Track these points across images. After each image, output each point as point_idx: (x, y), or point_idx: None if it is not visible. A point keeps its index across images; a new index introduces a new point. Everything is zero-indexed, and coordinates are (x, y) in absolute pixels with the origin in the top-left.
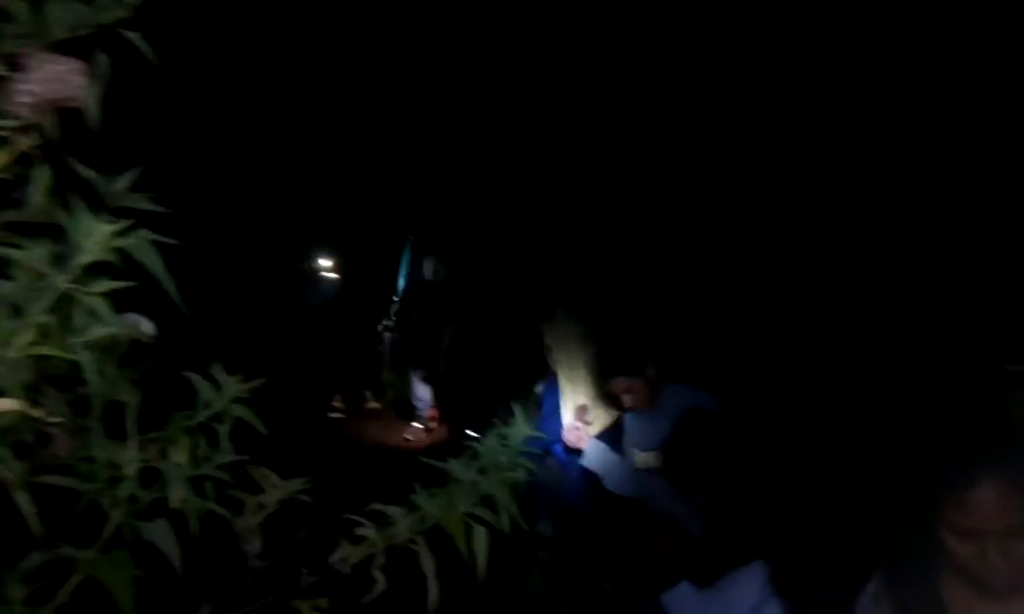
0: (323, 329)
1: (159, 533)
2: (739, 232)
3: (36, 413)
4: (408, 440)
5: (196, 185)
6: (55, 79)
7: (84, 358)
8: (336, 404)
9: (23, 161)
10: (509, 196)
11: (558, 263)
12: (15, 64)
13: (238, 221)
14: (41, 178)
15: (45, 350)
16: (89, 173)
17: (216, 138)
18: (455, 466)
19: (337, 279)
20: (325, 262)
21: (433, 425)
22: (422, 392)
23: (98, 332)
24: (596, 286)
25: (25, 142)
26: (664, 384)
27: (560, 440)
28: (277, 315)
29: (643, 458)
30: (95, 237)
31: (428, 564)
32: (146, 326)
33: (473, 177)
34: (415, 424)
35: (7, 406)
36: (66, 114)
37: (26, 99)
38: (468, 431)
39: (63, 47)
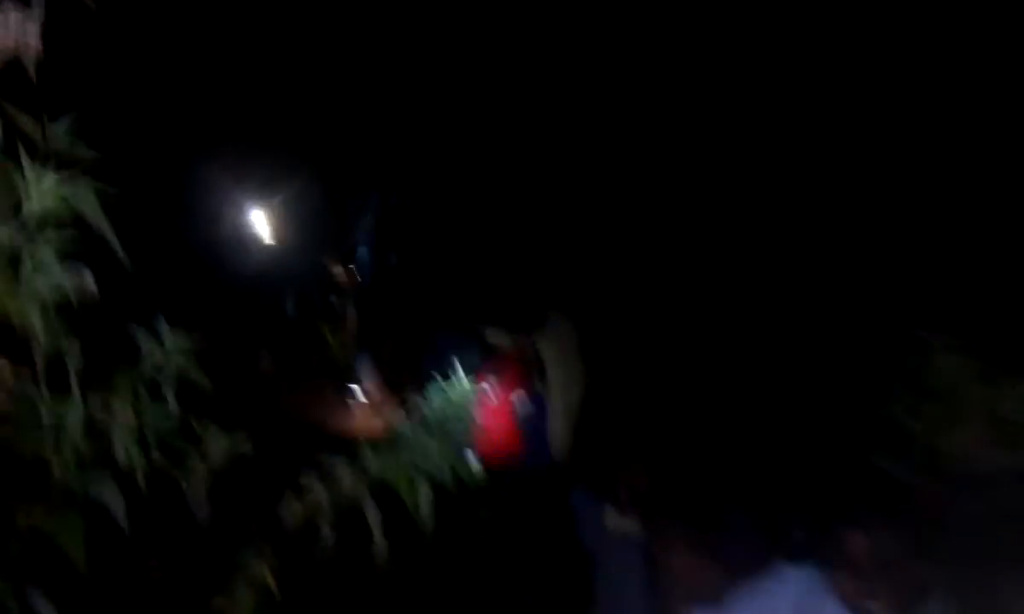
0: (252, 288)
1: (105, 489)
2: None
3: None
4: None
5: (132, 132)
6: (8, 29)
7: (33, 312)
8: (265, 363)
9: None
10: (493, 190)
11: (547, 265)
12: None
13: (174, 170)
14: None
15: None
16: (28, 121)
17: (155, 82)
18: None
19: (267, 240)
20: (258, 220)
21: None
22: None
23: (46, 286)
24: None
25: None
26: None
27: (547, 459)
28: (206, 271)
29: None
30: (43, 187)
31: (373, 517)
32: (88, 279)
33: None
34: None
35: None
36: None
37: None
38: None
39: None
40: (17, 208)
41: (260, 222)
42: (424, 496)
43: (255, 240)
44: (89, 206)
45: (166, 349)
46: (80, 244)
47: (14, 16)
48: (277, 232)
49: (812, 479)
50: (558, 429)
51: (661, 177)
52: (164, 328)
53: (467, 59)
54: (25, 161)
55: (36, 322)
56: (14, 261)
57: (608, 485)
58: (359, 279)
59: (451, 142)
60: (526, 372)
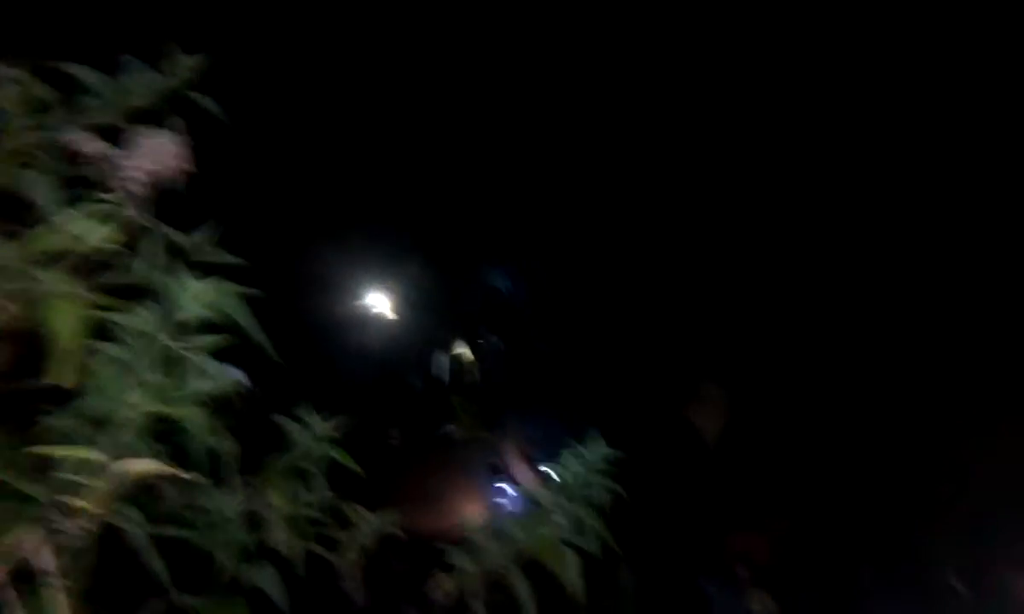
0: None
1: (265, 577)
2: None
3: (179, 472)
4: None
5: (259, 231)
6: (158, 153)
7: (193, 414)
8: (395, 440)
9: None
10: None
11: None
12: (118, 140)
13: (299, 258)
14: (148, 247)
15: (157, 409)
16: (173, 232)
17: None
18: (540, 492)
19: (388, 315)
20: (376, 299)
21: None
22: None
23: (205, 387)
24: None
25: (131, 214)
26: None
27: None
28: (333, 354)
29: None
30: (195, 295)
31: (523, 590)
32: (239, 376)
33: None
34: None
35: (148, 468)
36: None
37: (132, 174)
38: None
39: (140, 114)
40: (172, 315)
41: (383, 302)
42: (571, 564)
43: (380, 320)
44: (236, 308)
45: (313, 436)
46: (230, 344)
47: (169, 140)
48: (400, 310)
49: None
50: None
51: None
52: (310, 415)
53: (600, 124)
54: (179, 271)
55: (197, 421)
56: (173, 365)
57: (719, 562)
58: (486, 352)
59: (581, 212)
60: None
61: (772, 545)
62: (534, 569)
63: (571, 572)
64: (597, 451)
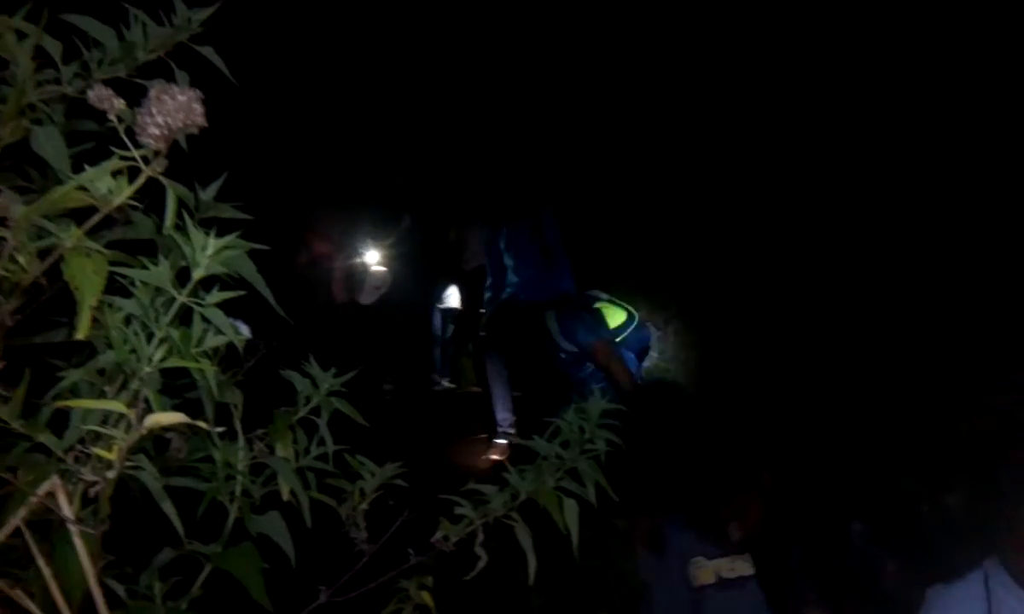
0: (376, 320)
1: (273, 526)
2: None
3: (201, 424)
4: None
5: (263, 190)
6: (180, 110)
7: (207, 368)
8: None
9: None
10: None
11: None
12: (127, 94)
13: (290, 222)
14: (169, 202)
15: (174, 363)
16: (181, 188)
17: (270, 142)
18: (539, 443)
19: (386, 272)
20: (375, 255)
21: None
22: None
23: (216, 341)
24: None
25: (152, 170)
26: None
27: None
28: (332, 312)
29: None
30: (207, 251)
31: (525, 537)
32: (244, 329)
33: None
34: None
35: (174, 420)
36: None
37: (155, 131)
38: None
39: (145, 67)
40: (185, 272)
41: (376, 259)
42: (571, 514)
43: (374, 277)
44: (245, 265)
45: (319, 389)
46: (239, 300)
47: (181, 96)
48: (393, 267)
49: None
50: None
51: None
52: (315, 369)
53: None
54: (190, 228)
55: (208, 375)
56: (185, 320)
57: (709, 520)
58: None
59: None
60: None
61: (764, 504)
62: (535, 516)
63: (571, 520)
64: (597, 405)
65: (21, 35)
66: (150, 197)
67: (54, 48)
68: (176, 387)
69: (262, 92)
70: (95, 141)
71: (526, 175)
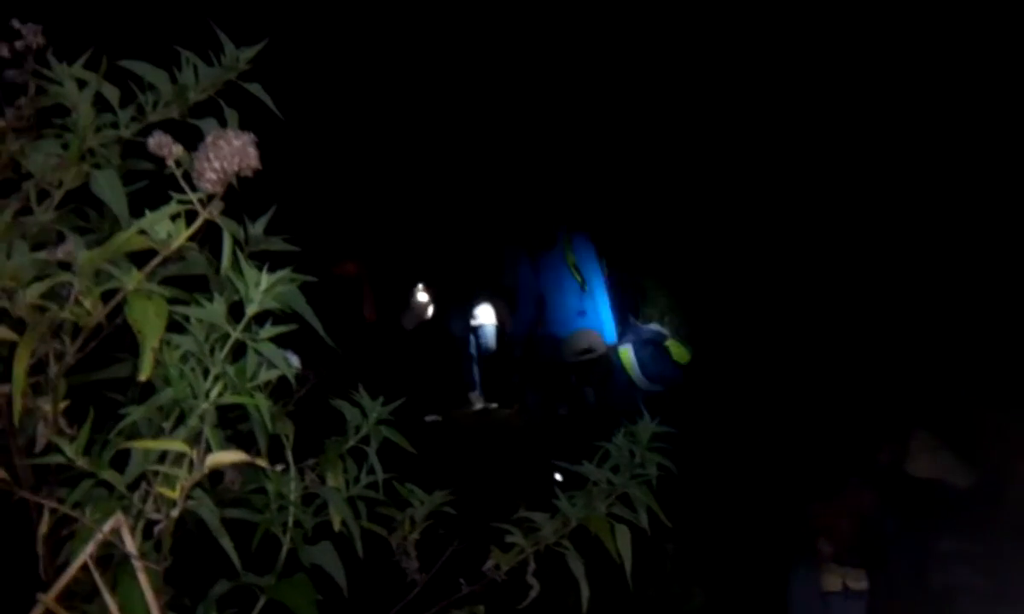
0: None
1: (325, 556)
2: None
3: (260, 462)
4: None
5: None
6: (236, 154)
7: (261, 403)
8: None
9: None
10: None
11: None
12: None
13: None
14: (225, 244)
15: (231, 399)
16: (232, 224)
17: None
18: (588, 468)
19: (427, 299)
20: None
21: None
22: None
23: (270, 375)
24: None
25: (208, 213)
26: None
27: None
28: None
29: None
30: (262, 287)
31: (577, 565)
32: (294, 360)
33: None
34: None
35: (235, 459)
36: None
37: (212, 176)
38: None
39: (196, 107)
40: (238, 306)
41: (418, 286)
42: (623, 540)
43: (417, 304)
44: (297, 299)
45: (367, 418)
46: (291, 333)
47: (236, 141)
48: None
49: None
50: None
51: None
52: (364, 398)
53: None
54: (244, 265)
55: (263, 410)
56: (239, 353)
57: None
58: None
59: None
60: None
61: (855, 518)
62: (586, 543)
63: (623, 546)
64: (647, 428)
65: (81, 83)
66: (201, 231)
67: (112, 94)
68: (229, 418)
69: (300, 121)
70: (148, 179)
71: (554, 196)
